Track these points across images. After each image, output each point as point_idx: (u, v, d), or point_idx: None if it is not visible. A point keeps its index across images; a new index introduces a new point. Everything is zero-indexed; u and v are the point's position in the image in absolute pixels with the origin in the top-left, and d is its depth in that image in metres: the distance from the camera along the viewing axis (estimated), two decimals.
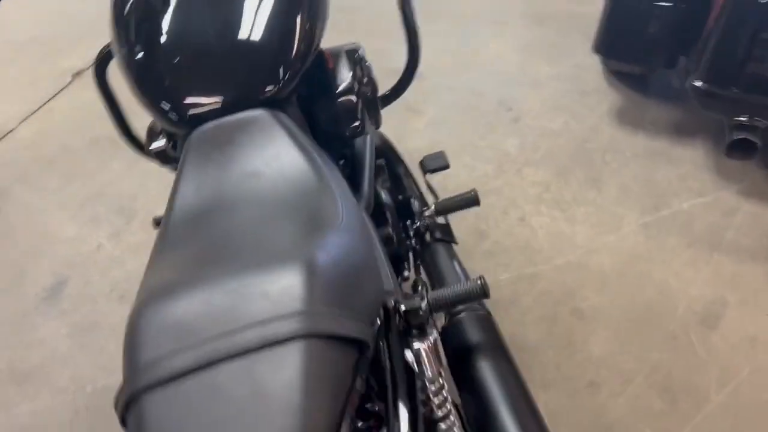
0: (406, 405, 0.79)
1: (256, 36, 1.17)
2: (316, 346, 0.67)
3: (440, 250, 1.50)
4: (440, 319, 1.29)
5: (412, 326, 0.93)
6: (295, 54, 1.17)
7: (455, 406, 1.01)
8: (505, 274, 1.91)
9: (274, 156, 1.03)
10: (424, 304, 1.12)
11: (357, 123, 1.29)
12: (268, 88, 1.13)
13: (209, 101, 1.10)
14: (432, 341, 0.93)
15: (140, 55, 1.14)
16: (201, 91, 1.10)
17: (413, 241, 1.52)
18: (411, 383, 0.84)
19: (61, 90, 2.66)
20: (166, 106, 1.10)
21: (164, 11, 1.16)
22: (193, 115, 1.09)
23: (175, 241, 0.90)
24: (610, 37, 2.25)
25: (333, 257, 0.78)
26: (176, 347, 0.65)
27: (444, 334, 1.28)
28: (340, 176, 1.07)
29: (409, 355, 0.86)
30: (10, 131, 2.51)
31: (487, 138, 2.40)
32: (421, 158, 1.70)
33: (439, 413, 0.93)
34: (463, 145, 2.37)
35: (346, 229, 0.88)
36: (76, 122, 2.44)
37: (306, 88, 1.30)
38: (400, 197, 1.59)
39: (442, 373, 0.96)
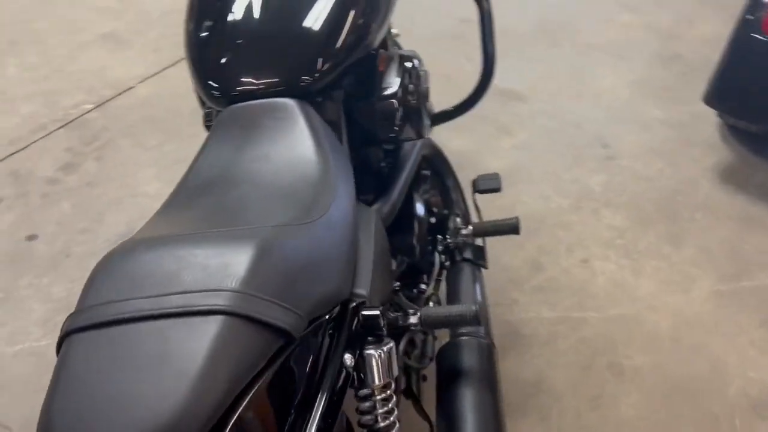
0: (321, 403, 0.79)
1: (302, 25, 1.19)
2: (232, 324, 0.69)
3: (466, 270, 1.46)
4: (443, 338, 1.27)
5: (368, 332, 0.92)
6: (338, 48, 1.19)
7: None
8: (549, 312, 1.83)
9: (287, 145, 1.06)
10: (413, 319, 1.11)
11: (394, 129, 1.29)
12: (304, 78, 1.15)
13: (245, 83, 1.14)
14: (385, 351, 0.92)
15: (198, 29, 1.20)
16: (240, 72, 1.14)
17: (441, 257, 1.50)
18: (342, 385, 0.84)
19: (180, 60, 2.85)
20: (207, 80, 1.15)
21: None
22: (228, 94, 1.14)
23: (174, 204, 0.97)
24: (724, 89, 2.09)
25: (290, 247, 0.81)
26: (115, 297, 0.70)
27: (439, 354, 1.25)
28: (349, 175, 1.07)
29: (348, 359, 0.85)
30: (129, 88, 2.72)
31: (573, 171, 2.31)
32: (476, 177, 1.67)
33: (381, 424, 0.91)
34: (545, 173, 2.29)
35: (323, 224, 0.90)
36: (186, 90, 2.59)
37: (354, 86, 1.31)
38: (440, 210, 1.57)
39: (392, 385, 0.94)
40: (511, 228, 1.52)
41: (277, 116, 1.11)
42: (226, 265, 0.74)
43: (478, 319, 1.13)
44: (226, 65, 1.16)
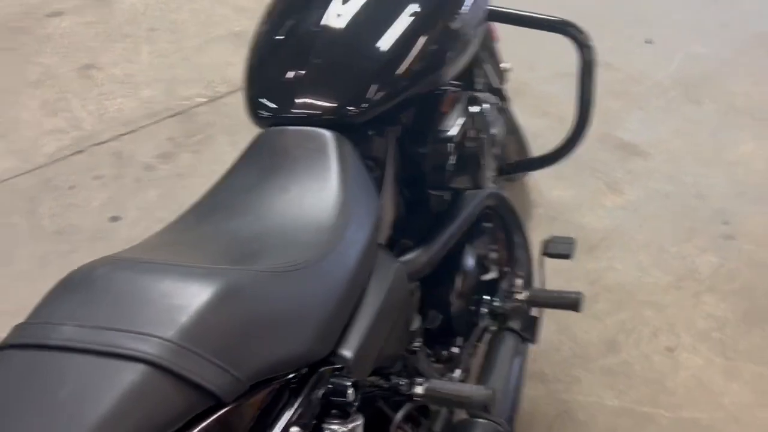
0: None
1: (361, 51, 1.11)
2: (153, 376, 0.63)
3: (508, 342, 1.31)
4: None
5: (333, 404, 0.82)
6: (395, 80, 1.09)
7: None
8: (613, 400, 1.62)
9: (308, 180, 0.99)
10: (418, 389, 1.00)
11: (443, 176, 1.18)
12: (350, 109, 1.07)
13: (290, 106, 1.07)
14: (347, 429, 0.81)
15: (261, 44, 1.16)
16: (288, 95, 1.08)
17: (483, 319, 1.35)
18: None
19: None
20: (255, 97, 1.10)
21: (309, 11, 1.15)
22: (272, 115, 1.08)
23: (179, 224, 0.94)
24: None
25: (258, 297, 0.75)
26: (54, 318, 0.67)
27: None
28: (368, 220, 0.98)
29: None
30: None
31: (682, 245, 2.05)
32: (549, 237, 1.50)
33: None
34: (648, 242, 2.06)
35: (311, 273, 0.82)
36: None
37: (412, 123, 1.21)
38: (496, 269, 1.42)
39: None
40: (570, 304, 1.35)
41: (309, 146, 1.03)
42: (172, 308, 0.68)
43: (488, 407, 0.99)
44: (276, 85, 1.10)
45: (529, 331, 1.36)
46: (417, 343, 1.18)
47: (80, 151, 2.38)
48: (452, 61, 1.21)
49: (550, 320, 1.67)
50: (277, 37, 1.15)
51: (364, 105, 1.07)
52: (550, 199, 2.22)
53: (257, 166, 1.03)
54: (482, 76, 1.47)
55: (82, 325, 0.65)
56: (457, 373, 1.23)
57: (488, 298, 1.37)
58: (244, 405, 0.71)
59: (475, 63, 1.37)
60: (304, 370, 0.80)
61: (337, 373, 0.83)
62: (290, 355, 0.76)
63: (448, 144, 1.17)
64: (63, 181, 2.26)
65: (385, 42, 1.12)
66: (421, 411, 1.13)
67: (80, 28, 3.05)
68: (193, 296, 0.70)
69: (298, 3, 1.17)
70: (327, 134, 1.03)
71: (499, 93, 1.60)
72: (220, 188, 1.00)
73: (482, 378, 1.26)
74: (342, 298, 0.87)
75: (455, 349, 1.28)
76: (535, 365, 1.66)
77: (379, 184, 1.13)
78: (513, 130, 1.88)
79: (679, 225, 2.13)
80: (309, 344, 0.79)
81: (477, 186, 1.21)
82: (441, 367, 1.24)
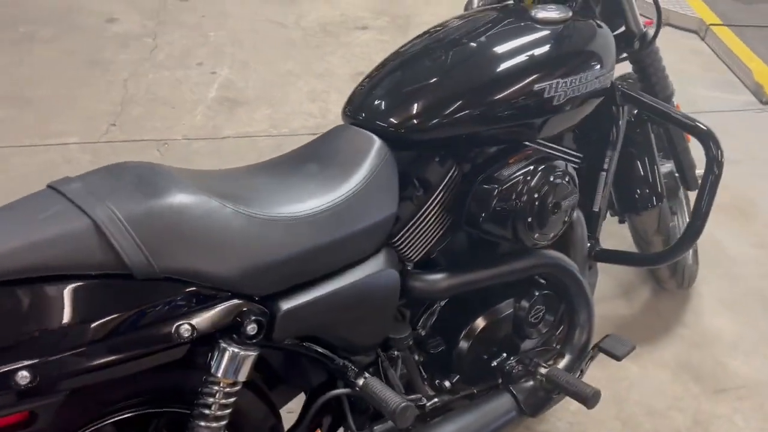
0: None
1: (440, 85, 1.24)
2: (89, 228, 0.88)
3: (501, 402, 1.31)
4: None
5: (239, 330, 0.97)
6: (450, 116, 1.20)
7: None
8: None
9: (337, 169, 1.16)
10: (357, 380, 1.12)
11: (480, 216, 1.23)
12: (405, 127, 1.21)
13: (365, 111, 1.25)
14: (241, 354, 0.97)
15: (386, 60, 1.35)
16: (368, 101, 1.26)
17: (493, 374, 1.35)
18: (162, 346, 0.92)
19: None
20: (349, 97, 1.30)
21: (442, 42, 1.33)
22: (350, 114, 1.27)
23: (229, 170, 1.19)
24: None
25: (212, 222, 0.97)
26: (86, 182, 0.94)
27: None
28: (368, 217, 1.12)
29: (185, 330, 0.92)
30: None
31: None
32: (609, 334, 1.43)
33: (217, 412, 0.99)
34: None
35: (271, 226, 1.01)
36: None
37: (480, 162, 1.30)
38: (537, 337, 1.40)
39: (236, 385, 1.00)
40: (584, 398, 1.28)
41: (355, 145, 1.20)
42: (143, 199, 0.93)
43: (396, 419, 1.05)
44: (367, 93, 1.28)
45: (524, 404, 1.32)
46: (400, 353, 1.26)
47: (313, 134, 2.80)
48: (530, 121, 1.27)
49: None
50: (397, 59, 1.33)
51: (418, 126, 1.20)
52: (710, 327, 2.01)
53: (311, 151, 1.23)
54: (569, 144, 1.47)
55: (90, 191, 0.91)
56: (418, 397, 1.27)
57: (506, 355, 1.37)
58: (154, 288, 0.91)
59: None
60: (227, 295, 0.97)
61: (255, 310, 0.99)
62: (210, 273, 0.94)
63: (494, 186, 1.23)
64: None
65: (466, 80, 1.24)
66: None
67: (374, 42, 3.52)
68: (165, 199, 0.93)
69: (438, 38, 1.33)
70: (376, 140, 1.18)
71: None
72: (276, 159, 1.23)
73: (453, 415, 1.28)
74: (296, 258, 1.02)
75: (447, 383, 1.32)
76: None
77: (420, 202, 1.24)
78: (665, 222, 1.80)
79: None
80: (234, 276, 0.96)
81: (519, 241, 1.24)
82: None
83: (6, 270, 0.82)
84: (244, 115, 2.88)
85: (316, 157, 1.20)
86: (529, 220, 1.25)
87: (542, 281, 1.42)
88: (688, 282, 2.01)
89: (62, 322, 0.85)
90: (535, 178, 1.25)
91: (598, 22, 1.38)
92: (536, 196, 1.24)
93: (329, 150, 1.21)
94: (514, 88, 1.23)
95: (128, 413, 1.01)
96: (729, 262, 2.23)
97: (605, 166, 1.54)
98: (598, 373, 1.82)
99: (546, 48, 1.28)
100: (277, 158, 1.23)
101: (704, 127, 1.41)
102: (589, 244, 1.55)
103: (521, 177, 1.24)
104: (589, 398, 1.28)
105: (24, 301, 0.84)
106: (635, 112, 1.67)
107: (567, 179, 1.29)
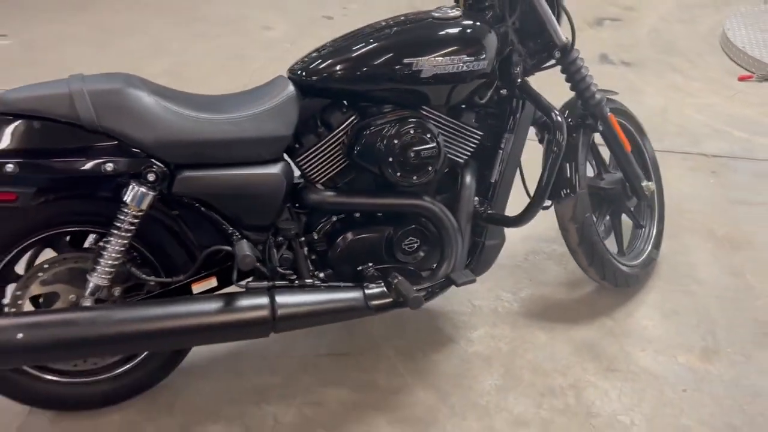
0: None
1: (352, 49, 1.74)
2: (70, 93, 1.51)
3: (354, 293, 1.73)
4: None
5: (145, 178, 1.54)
6: (343, 72, 1.71)
7: None
8: None
9: (254, 100, 1.71)
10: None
11: (357, 153, 1.74)
12: (314, 75, 1.73)
13: (294, 67, 1.79)
14: (140, 192, 1.54)
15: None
16: (299, 62, 1.79)
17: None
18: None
19: None
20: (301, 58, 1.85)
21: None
22: (291, 68, 1.81)
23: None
24: None
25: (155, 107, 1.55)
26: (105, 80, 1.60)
27: None
28: (263, 133, 1.67)
29: (109, 166, 1.51)
30: None
31: None
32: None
33: (124, 232, 1.58)
34: None
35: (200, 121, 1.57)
36: None
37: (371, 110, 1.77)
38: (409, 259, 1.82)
39: (140, 212, 1.56)
40: (407, 301, 1.68)
41: (275, 88, 1.75)
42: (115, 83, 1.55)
43: (238, 263, 1.56)
44: (302, 57, 1.81)
45: (375, 305, 1.73)
46: (286, 240, 1.74)
47: None
48: (407, 87, 1.71)
49: None
50: (332, 40, 1.83)
51: (320, 78, 1.70)
52: (632, 323, 2.19)
53: (252, 90, 1.77)
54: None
55: (81, 79, 1.54)
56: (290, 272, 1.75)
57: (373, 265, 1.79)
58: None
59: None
60: (144, 155, 1.54)
61: (156, 167, 1.55)
62: (134, 136, 1.52)
63: (370, 130, 1.71)
64: None
65: (365, 52, 1.71)
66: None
67: None
68: (121, 88, 1.54)
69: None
70: (289, 85, 1.71)
71: None
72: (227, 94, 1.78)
73: (310, 289, 1.73)
74: (198, 143, 1.58)
75: (320, 274, 1.77)
76: None
77: (321, 137, 1.73)
78: None
79: None
80: (149, 143, 1.53)
81: (383, 174, 1.70)
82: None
83: (15, 107, 1.47)
84: None
85: (249, 93, 1.74)
86: (390, 159, 1.68)
87: (423, 221, 1.82)
88: (615, 280, 2.21)
89: (38, 141, 1.48)
90: (399, 128, 1.68)
91: (484, 25, 1.77)
92: (396, 141, 1.68)
93: (260, 89, 1.75)
94: (390, 58, 1.69)
95: (71, 228, 1.62)
96: (690, 281, 2.37)
97: (502, 146, 1.91)
98: (508, 332, 2.13)
99: (422, 33, 1.72)
100: (228, 93, 1.78)
101: (555, 116, 1.74)
102: (482, 207, 1.92)
103: (389, 125, 1.69)
104: (410, 300, 1.67)
105: (20, 126, 1.48)
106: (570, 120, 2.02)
107: (428, 136, 1.70)
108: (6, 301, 1.65)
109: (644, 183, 2.21)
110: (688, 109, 3.63)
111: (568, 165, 2.01)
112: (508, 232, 2.05)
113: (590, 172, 2.21)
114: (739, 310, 2.23)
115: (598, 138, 2.17)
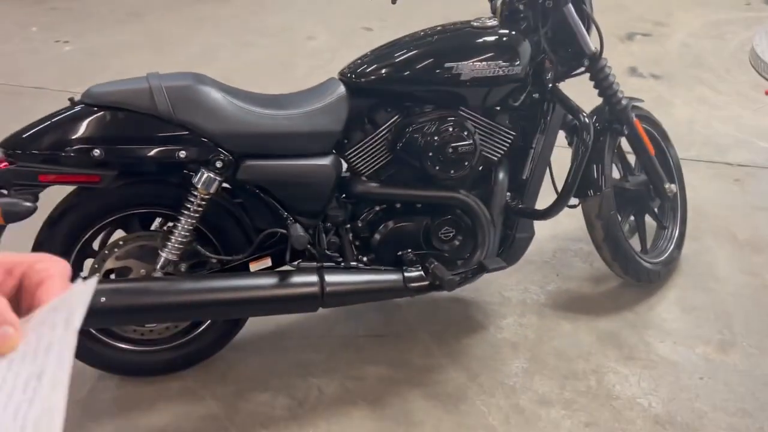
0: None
1: (398, 56, 1.93)
2: (145, 87, 1.72)
3: (394, 275, 1.90)
4: None
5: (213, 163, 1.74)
6: (397, 74, 1.90)
7: None
8: None
9: (308, 100, 1.90)
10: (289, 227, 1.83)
11: (401, 147, 1.91)
12: (363, 77, 1.91)
13: (344, 70, 1.98)
14: (207, 179, 1.73)
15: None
16: (349, 66, 1.98)
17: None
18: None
19: None
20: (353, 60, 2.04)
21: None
22: (339, 71, 2.00)
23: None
24: None
25: (224, 103, 1.75)
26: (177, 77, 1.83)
27: None
28: (314, 129, 1.84)
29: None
30: None
31: None
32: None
33: (194, 212, 1.77)
34: None
35: (266, 118, 1.76)
36: None
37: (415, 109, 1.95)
38: (447, 248, 1.99)
39: (207, 196, 1.76)
40: (442, 283, 1.84)
41: (327, 89, 1.95)
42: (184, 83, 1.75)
43: (292, 242, 1.75)
44: (352, 60, 2.01)
45: (414, 287, 1.90)
46: (334, 227, 1.93)
47: None
48: (448, 89, 1.89)
49: None
50: (381, 46, 2.02)
51: (368, 81, 1.89)
52: (653, 316, 2.33)
53: (305, 91, 1.97)
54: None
55: (160, 77, 1.75)
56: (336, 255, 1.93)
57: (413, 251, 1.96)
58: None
59: None
60: (212, 145, 1.74)
61: (224, 155, 1.75)
62: (205, 128, 1.72)
63: (413, 127, 1.88)
64: None
65: (409, 57, 1.90)
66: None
67: None
68: (194, 85, 1.74)
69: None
70: (340, 86, 1.90)
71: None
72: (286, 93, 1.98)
73: (354, 270, 1.90)
74: (260, 136, 1.77)
75: (364, 258, 1.95)
76: None
77: (367, 133, 1.92)
78: None
79: None
80: (219, 134, 1.73)
81: (423, 168, 1.87)
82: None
83: (101, 100, 1.68)
84: None
85: (304, 93, 1.94)
86: (430, 154, 1.86)
87: (459, 212, 1.99)
88: (638, 275, 2.35)
89: (121, 129, 1.69)
90: (438, 126, 1.86)
91: (519, 34, 1.95)
92: (436, 138, 1.85)
93: (314, 90, 1.95)
94: (433, 62, 1.87)
95: (143, 209, 1.83)
96: (710, 279, 2.49)
97: (533, 146, 2.07)
98: (535, 321, 2.28)
99: (462, 40, 1.90)
100: (286, 93, 1.98)
101: (582, 117, 1.90)
102: (513, 202, 2.08)
103: (430, 123, 1.87)
104: (445, 282, 1.83)
105: (105, 117, 1.69)
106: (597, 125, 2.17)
107: (465, 133, 1.87)
108: (84, 274, 1.86)
109: (667, 185, 2.35)
110: (715, 120, 3.74)
111: (594, 166, 2.16)
112: (538, 230, 2.20)
113: (616, 174, 2.36)
114: (756, 306, 2.36)
115: (625, 146, 2.33)
